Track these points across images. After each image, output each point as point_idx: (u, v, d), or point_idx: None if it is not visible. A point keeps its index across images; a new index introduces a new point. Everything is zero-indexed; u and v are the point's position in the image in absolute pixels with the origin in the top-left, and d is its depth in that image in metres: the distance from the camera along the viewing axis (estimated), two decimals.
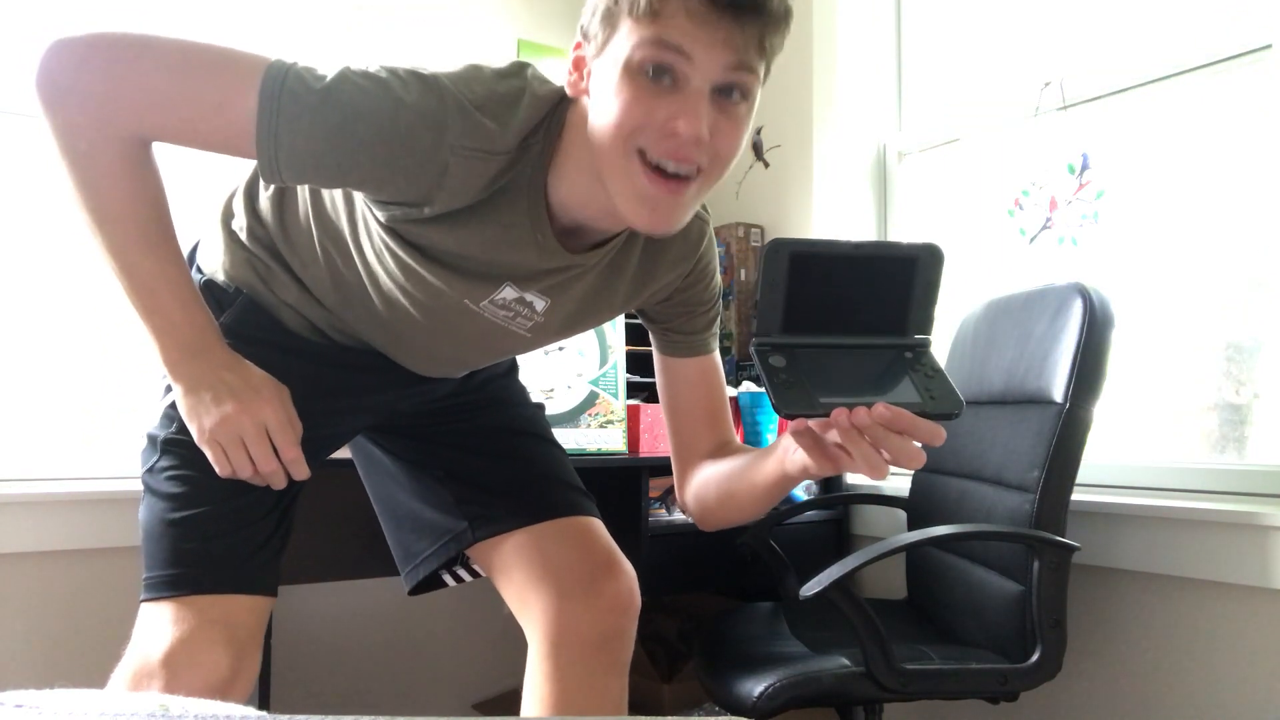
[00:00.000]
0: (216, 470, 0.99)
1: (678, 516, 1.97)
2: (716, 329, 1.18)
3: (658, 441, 2.03)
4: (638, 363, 2.07)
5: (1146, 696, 1.63)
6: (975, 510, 1.58)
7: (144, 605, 1.01)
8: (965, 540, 1.59)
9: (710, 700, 2.18)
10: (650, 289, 1.12)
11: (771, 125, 2.45)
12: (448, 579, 1.28)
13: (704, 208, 1.12)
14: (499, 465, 1.24)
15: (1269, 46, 1.59)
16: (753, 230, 2.49)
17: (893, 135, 2.31)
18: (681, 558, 1.98)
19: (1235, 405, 1.68)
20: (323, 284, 1.09)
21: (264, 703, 1.54)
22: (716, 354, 1.17)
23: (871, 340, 0.75)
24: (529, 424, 1.30)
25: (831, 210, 2.30)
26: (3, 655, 1.89)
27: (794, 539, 2.06)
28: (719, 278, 1.18)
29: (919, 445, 0.75)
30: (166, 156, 1.01)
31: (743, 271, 2.45)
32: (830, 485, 2.20)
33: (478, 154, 0.89)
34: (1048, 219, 1.92)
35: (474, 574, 1.26)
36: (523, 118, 0.91)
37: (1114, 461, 1.77)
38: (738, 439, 1.17)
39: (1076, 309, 1.46)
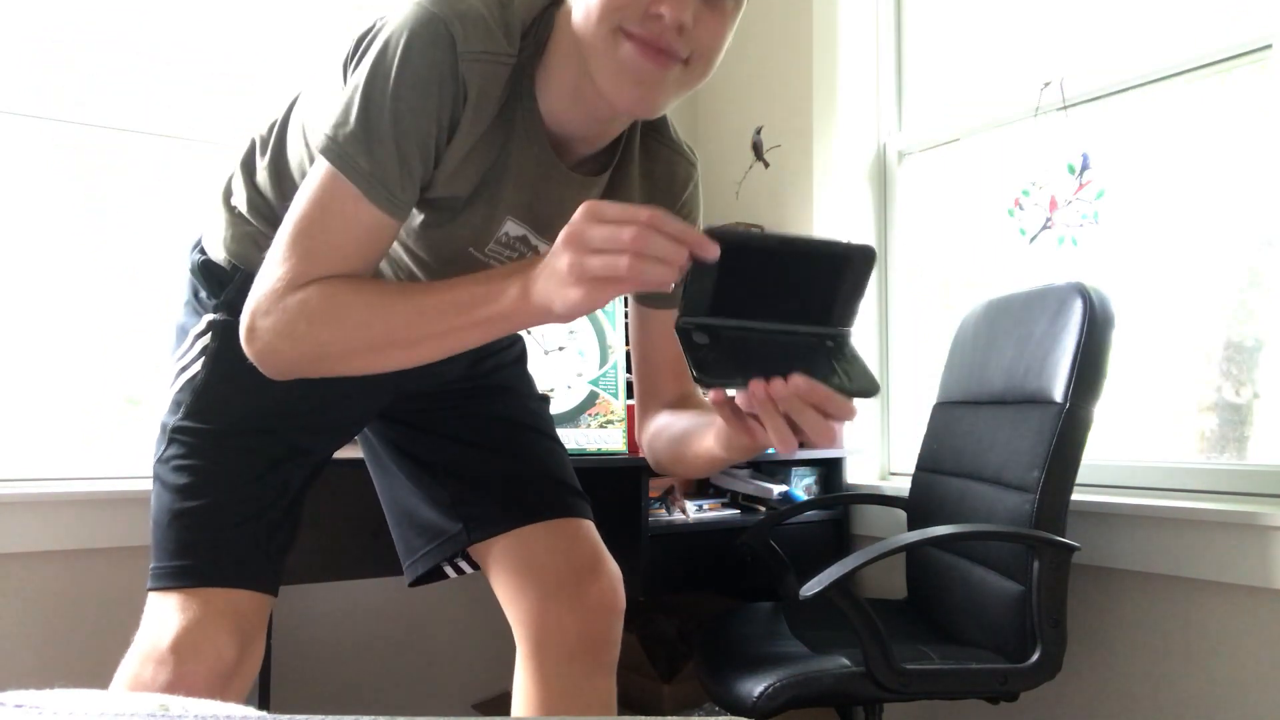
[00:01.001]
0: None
1: (677, 516, 1.97)
2: None
3: None
4: None
5: (1146, 696, 1.63)
6: (975, 510, 1.58)
7: (151, 595, 1.02)
8: (965, 540, 1.59)
9: (710, 700, 2.18)
10: None
11: (771, 125, 2.45)
12: (448, 570, 1.29)
13: (693, 154, 1.13)
14: (496, 461, 1.24)
15: (1269, 46, 1.59)
16: (753, 230, 2.48)
17: (893, 135, 2.31)
18: (681, 558, 1.98)
19: (1235, 405, 1.68)
20: None
21: (264, 703, 1.54)
22: None
23: (795, 328, 0.77)
24: (532, 417, 1.30)
25: (831, 210, 2.30)
26: (3, 655, 1.89)
27: (794, 539, 2.06)
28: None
29: (834, 424, 0.76)
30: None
31: None
32: (830, 485, 2.20)
33: (486, 57, 0.89)
34: (1048, 219, 1.92)
35: (474, 565, 1.27)
36: (519, 16, 0.92)
37: (1114, 461, 1.77)
38: (700, 392, 1.15)
39: (1076, 309, 1.46)
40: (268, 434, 1.10)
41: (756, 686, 1.34)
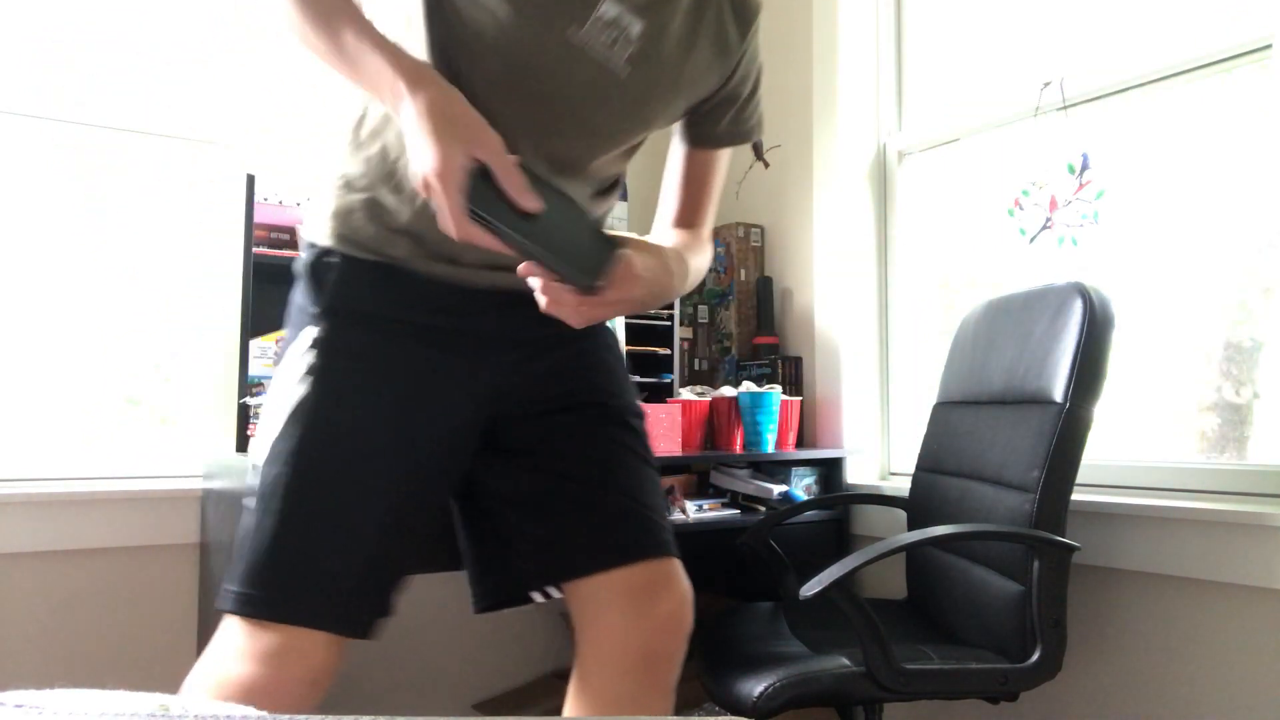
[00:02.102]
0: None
1: (677, 516, 1.97)
2: (748, 123, 1.28)
3: (658, 441, 2.03)
4: (638, 362, 2.07)
5: (1146, 696, 1.63)
6: (975, 510, 1.58)
7: (230, 617, 1.01)
8: (965, 540, 1.59)
9: (710, 700, 2.18)
10: (725, 63, 1.20)
11: (771, 125, 2.45)
12: (536, 597, 1.23)
13: None
14: (594, 497, 1.17)
15: (1269, 46, 1.59)
16: (753, 230, 2.49)
17: (893, 135, 2.31)
18: (681, 557, 1.98)
19: (1235, 405, 1.68)
20: None
21: None
22: (724, 154, 1.27)
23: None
24: (632, 436, 1.23)
25: (831, 210, 2.30)
26: (3, 655, 1.89)
27: (794, 539, 2.06)
28: (761, 71, 1.30)
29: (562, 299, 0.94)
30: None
31: (743, 271, 2.45)
32: (830, 485, 2.20)
33: None
34: (1048, 219, 1.92)
35: (548, 595, 1.23)
36: None
37: (1114, 461, 1.77)
38: (697, 231, 1.25)
39: (1076, 309, 1.46)
40: (376, 456, 1.07)
41: (756, 686, 1.34)
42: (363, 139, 1.13)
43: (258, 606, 1.00)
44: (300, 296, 1.14)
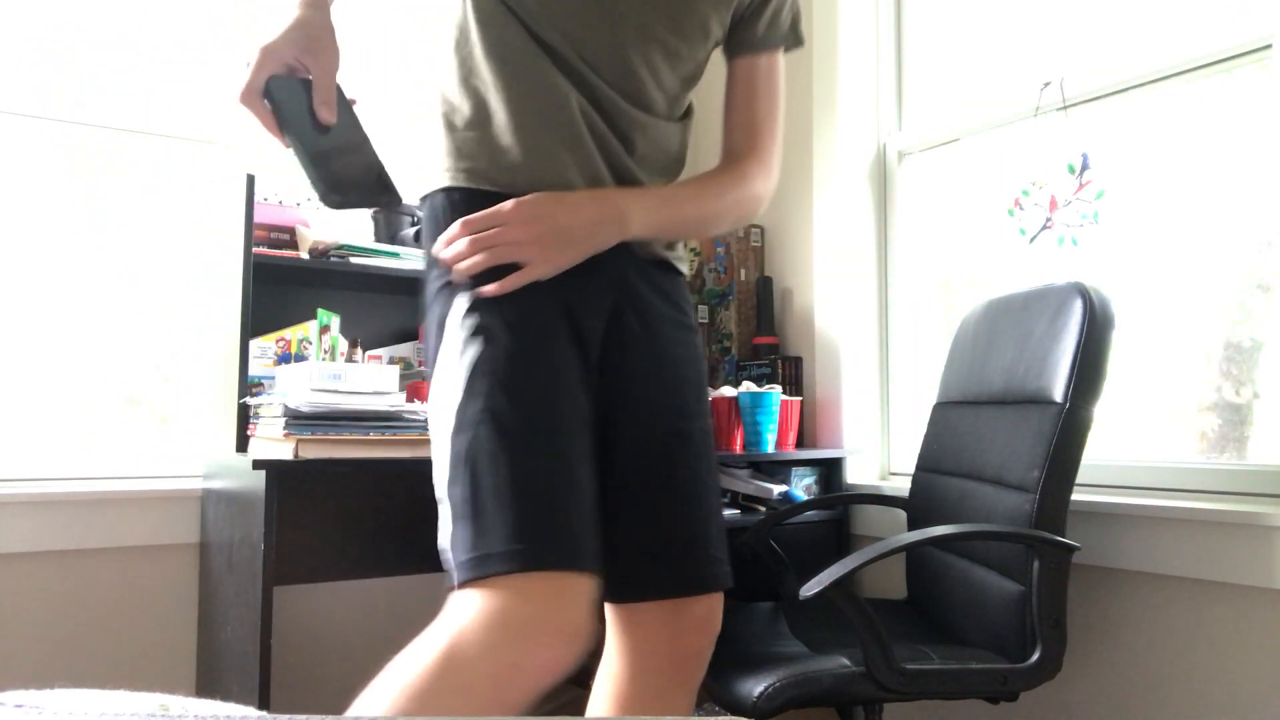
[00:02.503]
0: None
1: None
2: (783, 26, 1.26)
3: None
4: None
5: (1146, 696, 1.63)
6: (975, 510, 1.58)
7: (484, 581, 0.90)
8: (965, 540, 1.59)
9: (710, 700, 2.18)
10: None
11: None
12: None
13: None
14: (658, 512, 1.14)
15: (1269, 46, 1.59)
16: (753, 230, 2.49)
17: (893, 135, 2.31)
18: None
19: (1235, 405, 1.68)
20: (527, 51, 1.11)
21: (264, 703, 1.54)
22: (777, 58, 1.26)
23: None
24: (709, 457, 1.20)
25: (831, 210, 2.30)
26: (3, 655, 1.89)
27: (794, 539, 2.07)
28: None
29: None
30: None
31: (743, 271, 2.45)
32: (830, 485, 2.20)
33: None
34: (1048, 219, 1.92)
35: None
36: None
37: (1114, 461, 1.77)
38: (753, 154, 1.23)
39: (1076, 309, 1.46)
40: (565, 400, 1.04)
41: (756, 686, 1.34)
42: (454, 74, 1.15)
43: (539, 557, 0.91)
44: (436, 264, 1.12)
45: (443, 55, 1.17)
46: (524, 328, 1.05)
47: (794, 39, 1.29)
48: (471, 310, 1.06)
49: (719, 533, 1.17)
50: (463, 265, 1.04)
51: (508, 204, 1.05)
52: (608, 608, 1.18)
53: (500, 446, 0.96)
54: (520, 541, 0.91)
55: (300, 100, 1.01)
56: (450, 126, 1.14)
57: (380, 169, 1.04)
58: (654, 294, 1.20)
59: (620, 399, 1.14)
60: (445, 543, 0.98)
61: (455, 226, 1.06)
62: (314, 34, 1.02)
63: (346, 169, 1.02)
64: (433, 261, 1.13)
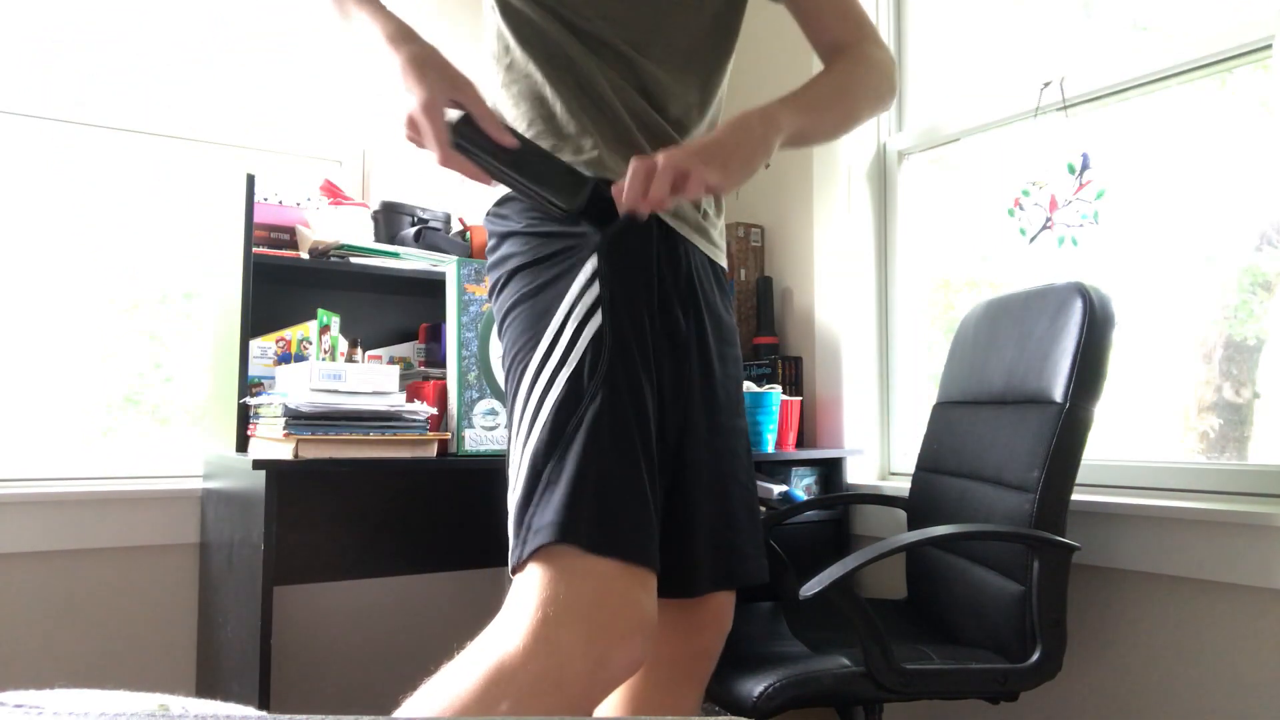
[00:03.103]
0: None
1: None
2: None
3: None
4: None
5: (1146, 696, 1.63)
6: (975, 510, 1.58)
7: (565, 554, 0.91)
8: (965, 540, 1.59)
9: (710, 700, 2.18)
10: None
11: None
12: None
13: None
14: (705, 517, 1.15)
15: (1269, 46, 1.59)
16: (753, 230, 2.49)
17: (893, 135, 2.31)
18: None
19: (1235, 405, 1.68)
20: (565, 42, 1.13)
21: (264, 703, 1.54)
22: None
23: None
24: (748, 458, 1.23)
25: (831, 210, 2.30)
26: (3, 655, 1.89)
27: (794, 539, 2.07)
28: None
29: None
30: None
31: (743, 271, 2.45)
32: (830, 485, 2.20)
33: None
34: (1048, 219, 1.92)
35: None
36: None
37: (1114, 461, 1.77)
38: (864, 36, 1.23)
39: (1076, 309, 1.46)
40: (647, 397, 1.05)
41: (756, 686, 1.34)
42: (500, 76, 1.18)
43: (627, 548, 0.93)
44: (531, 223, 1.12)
45: (489, 67, 1.19)
46: (635, 308, 1.06)
47: None
48: (593, 280, 1.05)
49: (755, 525, 1.18)
50: (654, 194, 0.97)
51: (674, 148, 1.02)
52: None
53: (611, 429, 0.97)
54: (611, 527, 0.92)
55: (476, 137, 1.02)
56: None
57: (565, 163, 1.05)
58: (714, 290, 1.22)
59: (685, 391, 1.15)
60: (520, 502, 0.98)
61: (632, 164, 0.98)
62: (438, 66, 1.02)
63: (554, 177, 1.04)
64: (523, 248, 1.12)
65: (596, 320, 1.03)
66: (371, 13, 1.07)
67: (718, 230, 1.26)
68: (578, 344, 1.02)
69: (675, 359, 1.13)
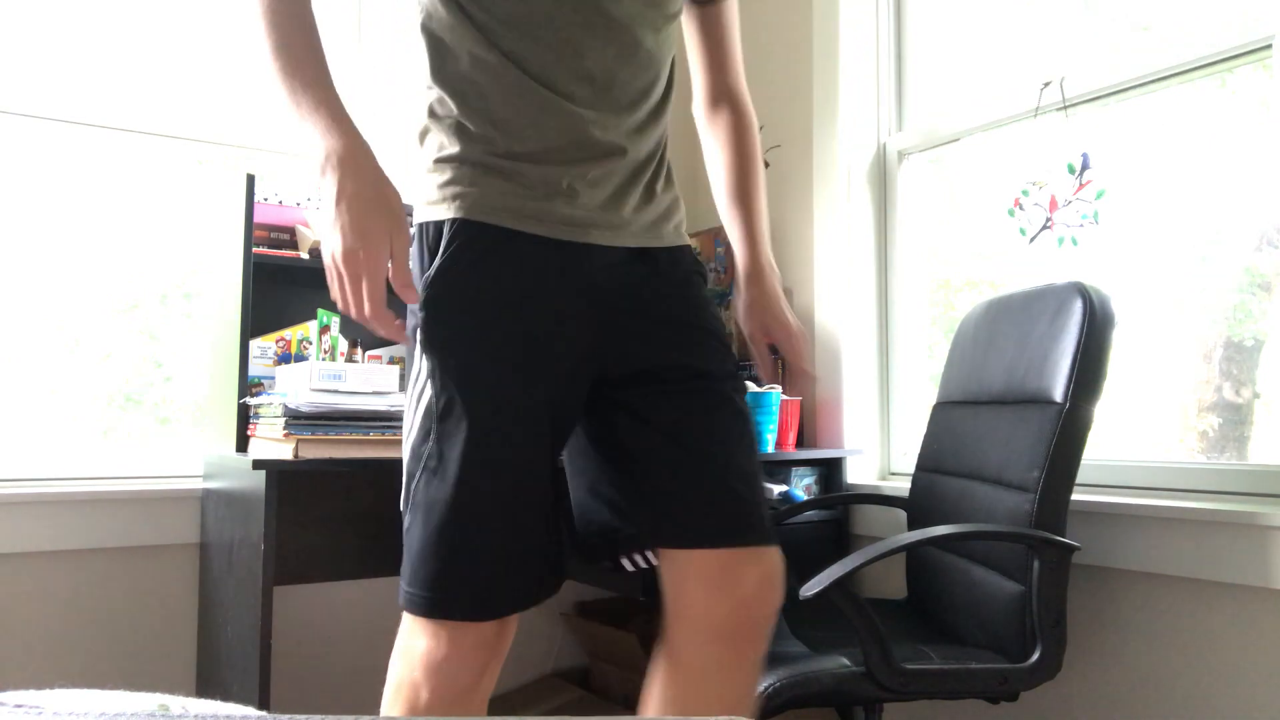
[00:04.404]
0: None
1: None
2: None
3: None
4: None
5: (1146, 696, 1.63)
6: (975, 510, 1.58)
7: (411, 616, 1.12)
8: (965, 540, 1.59)
9: None
10: None
11: (771, 125, 2.45)
12: (625, 563, 1.22)
13: None
14: (701, 470, 1.16)
15: (1269, 46, 1.59)
16: None
17: (893, 135, 2.31)
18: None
19: (1235, 405, 1.68)
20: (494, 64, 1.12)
21: (264, 703, 1.54)
22: (732, 6, 1.36)
23: None
24: (735, 409, 1.21)
25: (831, 210, 2.30)
26: (3, 655, 1.89)
27: (794, 539, 2.07)
28: None
29: None
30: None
31: None
32: (830, 485, 2.20)
33: None
34: (1048, 219, 1.92)
35: (650, 562, 1.21)
36: None
37: (1114, 461, 1.77)
38: (735, 85, 1.38)
39: (1076, 309, 1.46)
40: (506, 408, 1.09)
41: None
42: (431, 92, 1.17)
43: (429, 610, 1.11)
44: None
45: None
46: (475, 358, 1.10)
47: None
48: (422, 349, 1.12)
49: (758, 487, 1.17)
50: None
51: None
52: (662, 572, 1.16)
53: (434, 494, 1.07)
54: (436, 590, 1.08)
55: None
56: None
57: None
58: (654, 278, 1.21)
59: (635, 362, 1.18)
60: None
61: None
62: (382, 203, 0.98)
63: None
64: None
65: (428, 392, 1.10)
66: (315, 106, 1.02)
67: (651, 216, 1.22)
68: (416, 413, 1.11)
69: (579, 368, 1.15)
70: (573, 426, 1.19)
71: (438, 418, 1.08)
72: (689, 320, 1.21)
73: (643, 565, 1.21)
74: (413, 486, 1.10)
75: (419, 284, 1.11)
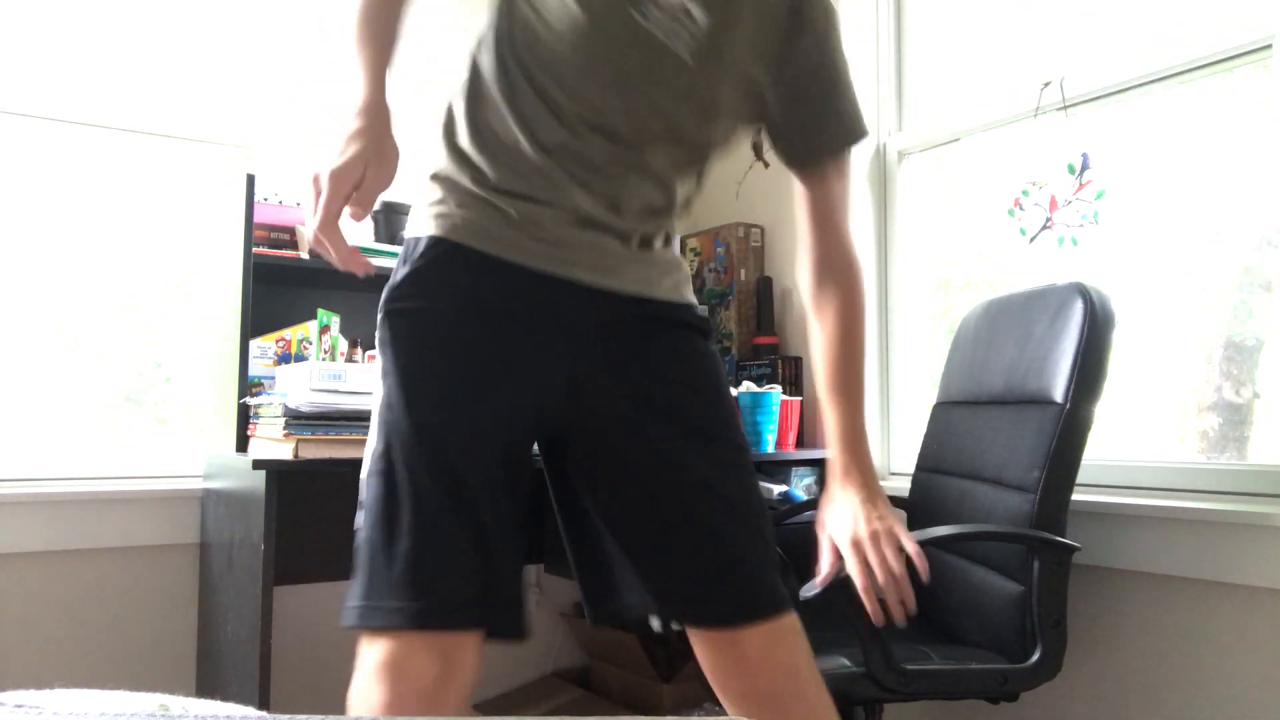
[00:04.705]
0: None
1: None
2: (838, 136, 1.28)
3: None
4: None
5: (1146, 696, 1.63)
6: (975, 510, 1.58)
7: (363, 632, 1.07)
8: (965, 540, 1.59)
9: (710, 700, 2.18)
10: (796, 45, 1.21)
11: None
12: (654, 624, 1.17)
13: None
14: (693, 550, 1.12)
15: (1269, 46, 1.59)
16: (753, 230, 2.49)
17: (893, 135, 2.31)
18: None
19: (1235, 405, 1.68)
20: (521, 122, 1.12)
21: (264, 703, 1.54)
22: (838, 166, 1.29)
23: None
24: (741, 475, 1.18)
25: None
26: (3, 655, 1.89)
27: (794, 539, 2.06)
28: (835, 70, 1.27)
29: None
30: None
31: (743, 271, 2.45)
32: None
33: None
34: (1048, 219, 1.92)
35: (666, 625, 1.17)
36: None
37: (1114, 461, 1.77)
38: (841, 257, 1.32)
39: (1077, 309, 1.46)
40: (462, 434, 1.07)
41: None
42: (458, 126, 1.17)
43: (382, 621, 1.07)
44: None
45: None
46: (433, 372, 1.08)
47: (851, 139, 1.29)
48: (382, 353, 1.12)
49: (762, 555, 1.14)
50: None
51: None
52: (690, 639, 1.15)
53: (382, 504, 1.07)
54: (379, 599, 1.07)
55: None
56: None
57: None
58: (643, 333, 1.17)
59: (617, 428, 1.14)
60: None
61: None
62: (377, 145, 1.01)
63: None
64: None
65: (379, 391, 1.10)
66: (365, 67, 1.07)
67: (645, 267, 1.18)
68: (372, 425, 1.10)
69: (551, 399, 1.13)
70: (529, 447, 1.15)
71: (383, 418, 1.07)
72: (681, 379, 1.18)
73: (674, 628, 1.17)
74: (363, 490, 1.10)
75: (386, 288, 1.12)
